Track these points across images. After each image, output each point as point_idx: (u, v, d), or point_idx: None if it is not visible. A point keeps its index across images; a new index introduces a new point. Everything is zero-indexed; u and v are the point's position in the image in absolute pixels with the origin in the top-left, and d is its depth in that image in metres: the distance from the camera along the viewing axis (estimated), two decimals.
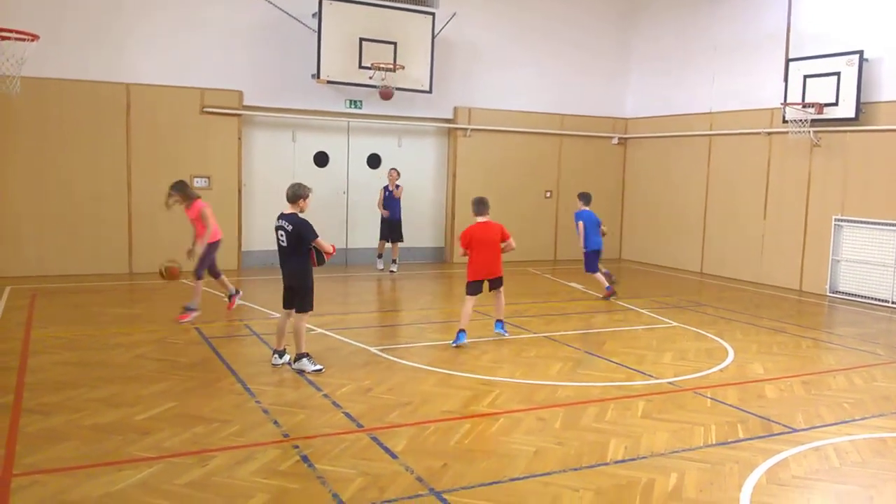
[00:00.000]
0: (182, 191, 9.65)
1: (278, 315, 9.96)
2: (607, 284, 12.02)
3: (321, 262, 7.40)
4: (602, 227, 12.09)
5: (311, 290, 7.46)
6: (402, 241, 14.53)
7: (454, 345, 8.60)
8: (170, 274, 9.50)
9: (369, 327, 9.11)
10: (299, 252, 7.33)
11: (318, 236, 7.30)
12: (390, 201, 14.29)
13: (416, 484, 4.82)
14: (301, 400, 6.54)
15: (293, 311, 7.54)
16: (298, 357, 7.47)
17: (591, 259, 12.02)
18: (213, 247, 9.75)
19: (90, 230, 13.04)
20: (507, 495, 4.71)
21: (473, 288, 8.86)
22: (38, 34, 8.94)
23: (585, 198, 12.16)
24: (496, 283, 9.00)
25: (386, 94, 14.24)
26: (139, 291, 11.95)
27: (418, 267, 15.02)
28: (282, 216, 7.36)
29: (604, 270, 12.24)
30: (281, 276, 7.59)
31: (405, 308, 11.78)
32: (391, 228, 14.38)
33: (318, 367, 7.44)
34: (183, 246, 9.86)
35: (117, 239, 13.24)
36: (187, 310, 9.59)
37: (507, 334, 9.14)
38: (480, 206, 8.88)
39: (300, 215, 7.34)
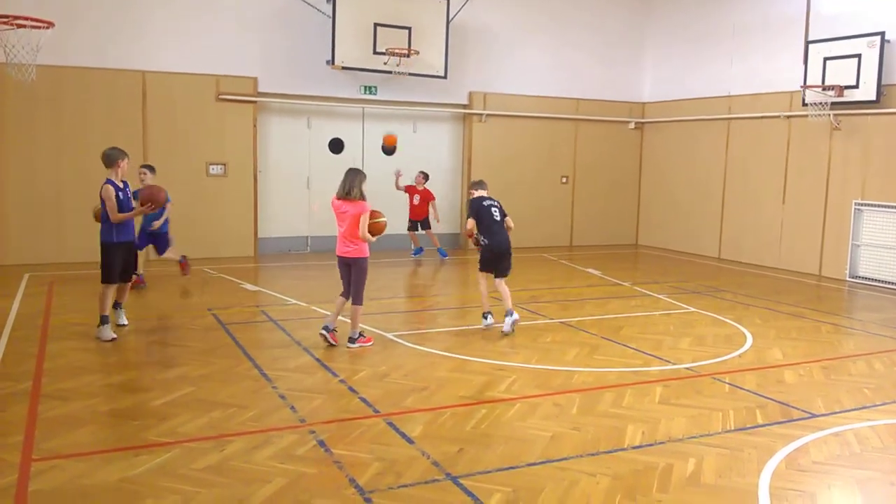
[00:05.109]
0: None
1: (295, 301, 10.07)
2: None
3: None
4: None
5: None
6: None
7: None
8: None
9: (385, 313, 9.11)
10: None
11: None
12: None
13: (433, 469, 4.82)
14: (317, 385, 6.55)
15: (497, 277, 8.59)
16: (511, 312, 8.51)
17: None
18: None
19: None
20: (524, 480, 4.69)
21: None
22: (53, 21, 8.97)
23: None
24: None
25: None
26: (154, 278, 12.00)
27: (433, 253, 14.98)
28: (484, 198, 8.64)
29: None
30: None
31: (420, 294, 11.77)
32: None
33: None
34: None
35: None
36: None
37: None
38: None
39: None
